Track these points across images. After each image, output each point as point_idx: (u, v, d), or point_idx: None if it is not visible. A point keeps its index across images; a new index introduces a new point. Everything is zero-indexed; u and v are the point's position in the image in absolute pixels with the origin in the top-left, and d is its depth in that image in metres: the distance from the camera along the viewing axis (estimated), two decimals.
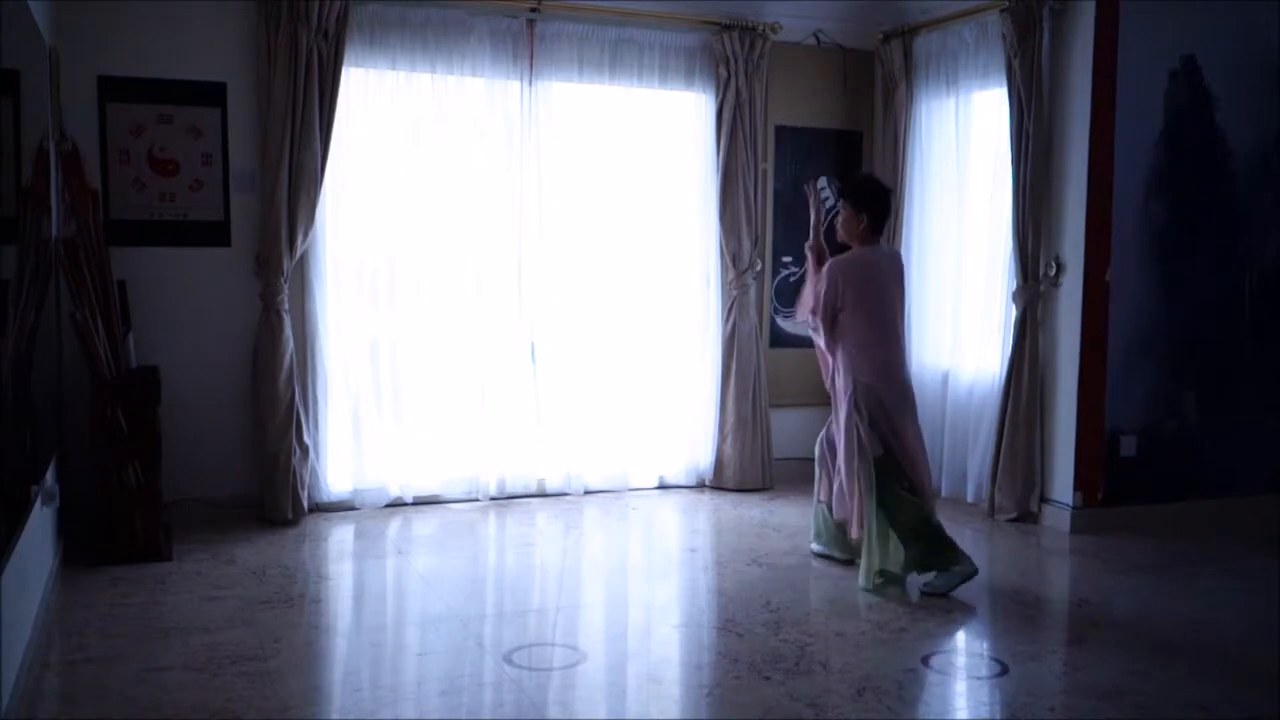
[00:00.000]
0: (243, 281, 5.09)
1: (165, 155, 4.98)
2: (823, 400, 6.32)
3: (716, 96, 5.89)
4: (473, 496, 5.58)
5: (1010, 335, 5.35)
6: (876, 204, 4.39)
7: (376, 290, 5.41)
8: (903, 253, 6.09)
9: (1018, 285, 5.28)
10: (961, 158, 5.82)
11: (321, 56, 5.01)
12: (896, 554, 4.31)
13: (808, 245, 4.63)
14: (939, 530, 4.28)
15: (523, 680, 3.37)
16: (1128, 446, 5.26)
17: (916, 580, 4.28)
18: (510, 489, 5.68)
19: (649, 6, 5.69)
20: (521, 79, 5.54)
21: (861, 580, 4.26)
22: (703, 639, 3.83)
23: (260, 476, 5.11)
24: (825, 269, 4.39)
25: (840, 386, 4.41)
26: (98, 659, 3.44)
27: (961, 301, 5.84)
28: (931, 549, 4.25)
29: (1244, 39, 5.36)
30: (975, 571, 4.19)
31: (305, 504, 5.17)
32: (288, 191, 5.01)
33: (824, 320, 4.38)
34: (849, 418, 4.33)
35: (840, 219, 4.45)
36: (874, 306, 4.35)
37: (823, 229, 4.65)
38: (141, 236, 4.94)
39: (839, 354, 4.41)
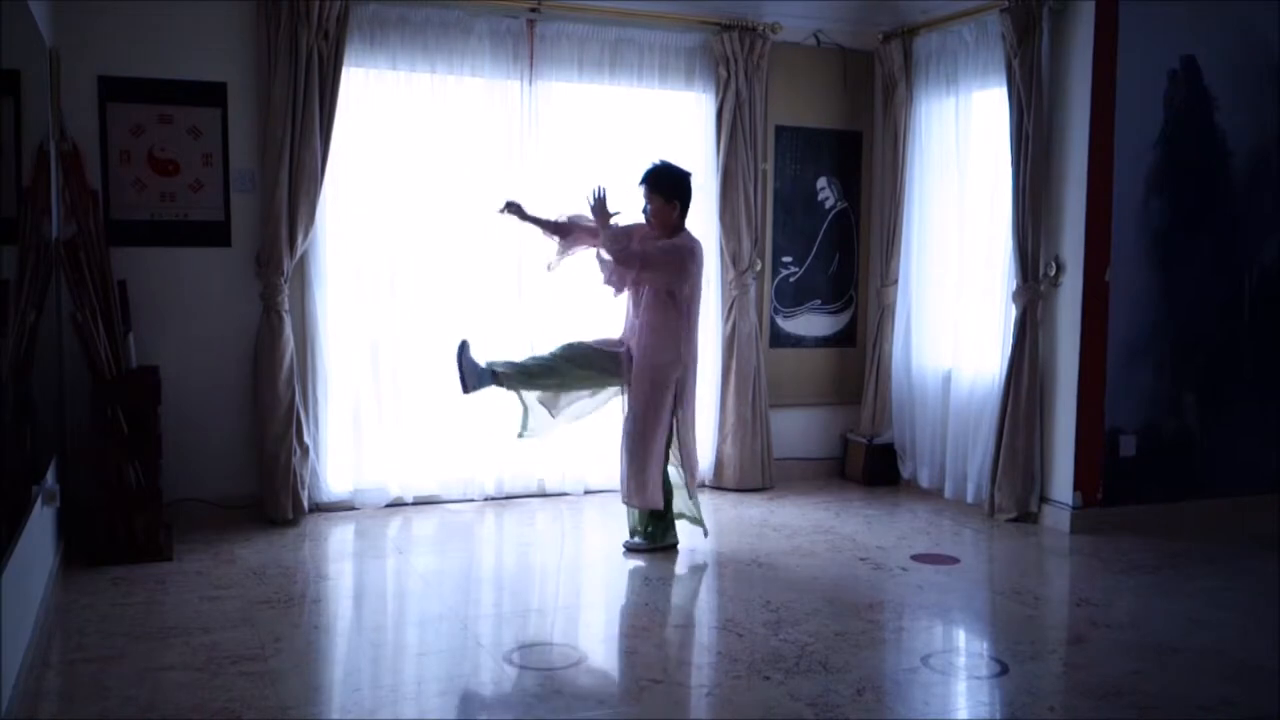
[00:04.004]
0: (243, 281, 5.09)
1: (165, 155, 4.98)
2: (823, 400, 6.38)
3: (716, 96, 5.89)
4: (472, 496, 5.59)
5: (1010, 335, 5.35)
6: (686, 192, 4.66)
7: (376, 290, 5.41)
8: (902, 253, 6.16)
9: (1018, 285, 5.28)
10: (961, 158, 5.81)
11: (321, 56, 5.01)
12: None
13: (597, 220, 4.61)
14: (670, 505, 4.79)
15: (523, 680, 3.37)
16: (1127, 446, 5.26)
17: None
18: (510, 489, 5.68)
19: (649, 6, 5.69)
20: (521, 79, 5.54)
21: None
22: (703, 639, 3.83)
23: (260, 476, 5.11)
24: (680, 241, 4.59)
25: (654, 365, 4.60)
26: (98, 659, 3.44)
27: (961, 301, 5.84)
28: (659, 517, 4.78)
29: (1244, 39, 5.36)
30: (674, 545, 4.79)
31: (305, 504, 5.17)
32: (288, 191, 5.01)
33: (636, 270, 4.56)
34: (660, 396, 4.61)
35: (651, 209, 4.64)
36: (698, 294, 4.71)
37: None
38: (141, 236, 4.94)
39: (664, 334, 4.59)
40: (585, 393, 4.75)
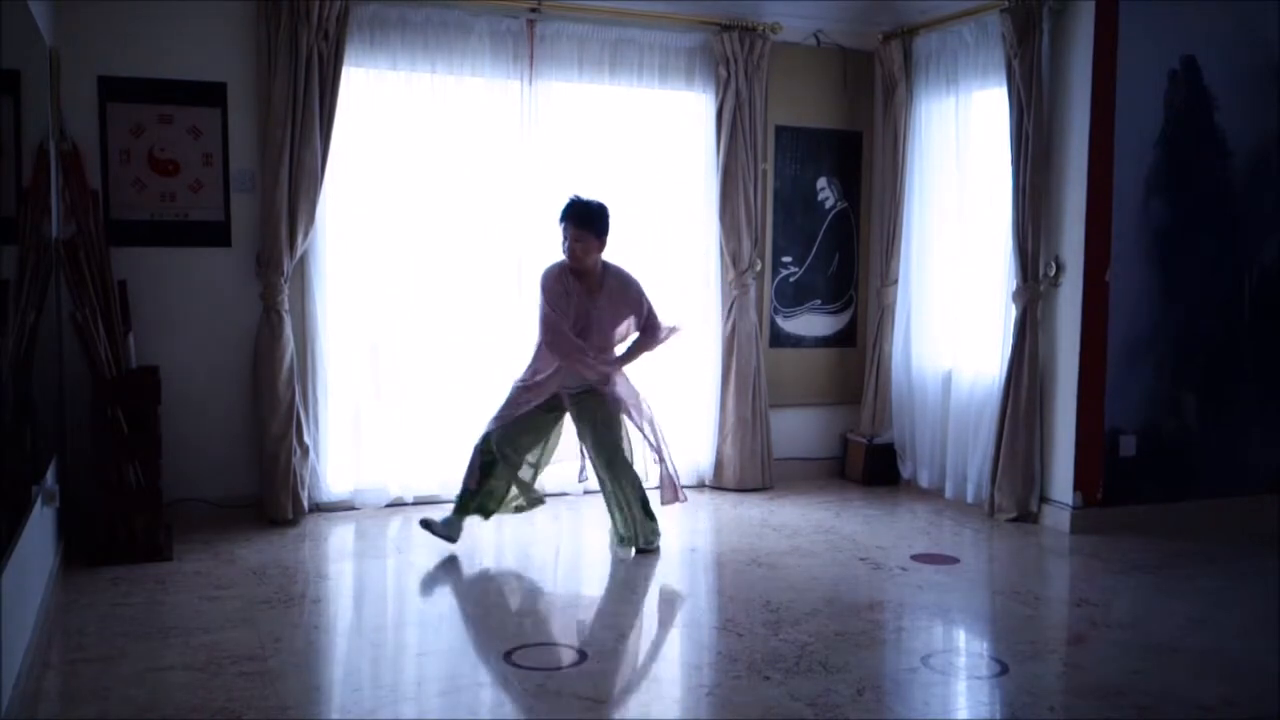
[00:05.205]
0: (243, 281, 5.09)
1: (165, 155, 4.98)
2: (823, 400, 6.38)
3: (716, 96, 5.89)
4: None
5: (1010, 335, 5.35)
6: (610, 226, 4.65)
7: (376, 290, 5.40)
8: (902, 253, 6.16)
9: (1017, 285, 5.28)
10: (961, 158, 5.81)
11: (321, 56, 5.01)
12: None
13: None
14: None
15: (523, 680, 3.37)
16: (1127, 446, 5.26)
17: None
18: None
19: (649, 6, 5.68)
20: (521, 79, 5.54)
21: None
22: (703, 639, 3.83)
23: (260, 476, 5.12)
24: (641, 290, 4.78)
25: (632, 387, 4.76)
26: (98, 659, 3.44)
27: (961, 301, 5.84)
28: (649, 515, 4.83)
29: (1244, 39, 5.36)
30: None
31: (305, 504, 5.17)
32: (288, 191, 5.01)
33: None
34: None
35: (583, 249, 4.60)
36: None
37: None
38: (141, 236, 4.94)
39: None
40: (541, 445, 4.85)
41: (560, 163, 5.61)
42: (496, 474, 4.72)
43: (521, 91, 5.55)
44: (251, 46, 5.04)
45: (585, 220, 4.60)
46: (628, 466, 4.74)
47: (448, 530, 4.68)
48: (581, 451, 4.80)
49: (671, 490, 4.76)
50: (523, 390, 4.70)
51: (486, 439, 4.69)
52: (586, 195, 4.70)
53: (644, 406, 4.77)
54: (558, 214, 4.67)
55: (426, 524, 4.69)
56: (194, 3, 4.97)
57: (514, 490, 4.81)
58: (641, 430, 4.73)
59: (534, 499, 4.86)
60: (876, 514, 5.59)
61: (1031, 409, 5.26)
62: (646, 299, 4.81)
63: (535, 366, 4.72)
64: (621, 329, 4.76)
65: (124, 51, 4.87)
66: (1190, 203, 5.32)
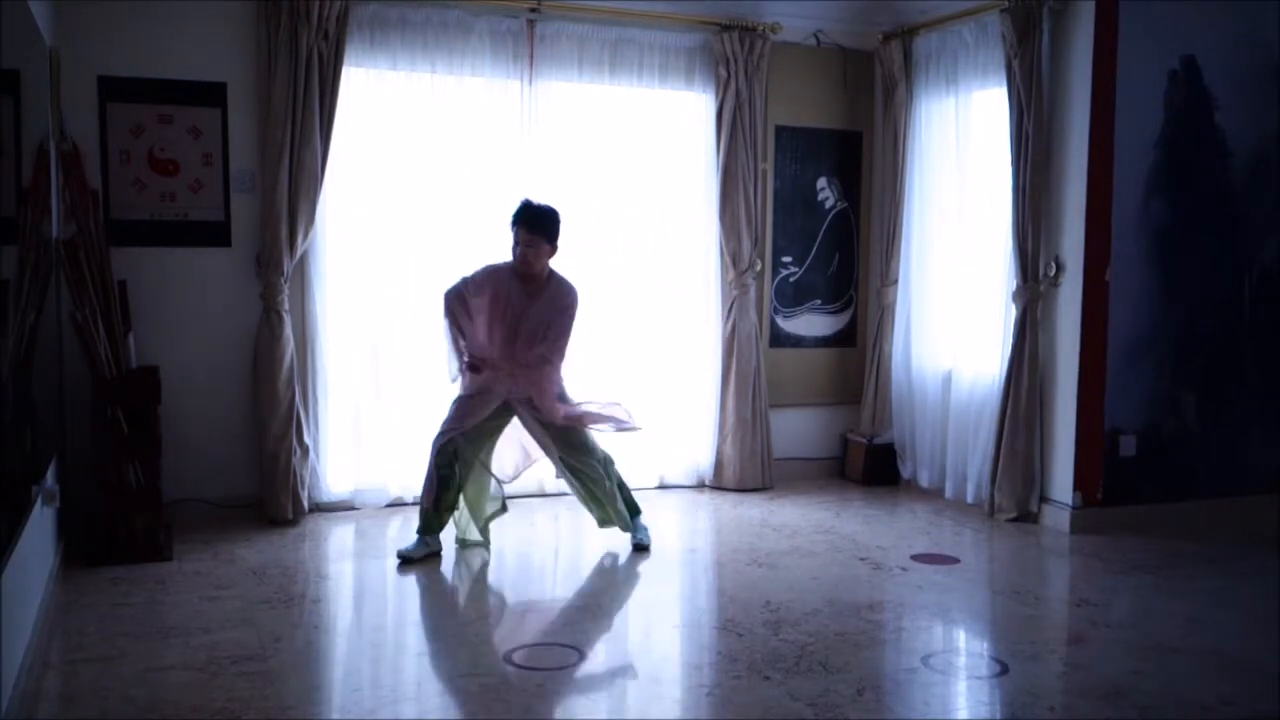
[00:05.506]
0: (243, 281, 5.10)
1: (165, 155, 4.98)
2: (823, 400, 6.38)
3: (716, 96, 5.89)
4: None
5: (1010, 335, 5.35)
6: (560, 231, 4.61)
7: (376, 290, 5.41)
8: (902, 253, 6.16)
9: (1017, 285, 5.28)
10: (961, 158, 5.81)
11: (321, 56, 5.01)
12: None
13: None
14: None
15: (523, 680, 3.37)
16: (1127, 446, 5.26)
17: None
18: (509, 489, 5.61)
19: (649, 6, 5.68)
20: (521, 79, 5.54)
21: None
22: (703, 639, 3.83)
23: (260, 476, 5.12)
24: (571, 301, 4.61)
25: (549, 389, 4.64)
26: (98, 659, 3.44)
27: (961, 301, 5.84)
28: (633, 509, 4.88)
29: (1244, 39, 5.36)
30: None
31: (305, 504, 5.17)
32: (288, 191, 5.01)
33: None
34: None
35: (534, 253, 4.55)
36: None
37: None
38: (141, 236, 4.94)
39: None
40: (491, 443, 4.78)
41: (560, 163, 5.62)
42: (452, 489, 4.68)
43: (521, 91, 5.55)
44: (251, 46, 5.05)
45: (537, 224, 4.57)
46: (597, 454, 4.74)
47: (427, 549, 4.63)
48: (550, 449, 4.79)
49: (617, 421, 4.70)
50: (469, 399, 4.65)
51: (442, 450, 4.63)
52: (538, 200, 4.68)
53: (573, 402, 4.73)
54: (509, 217, 4.63)
55: (404, 557, 4.59)
56: (194, 3, 4.97)
57: (476, 507, 4.74)
58: (587, 418, 4.70)
59: (500, 505, 4.75)
60: (876, 514, 5.59)
61: (1031, 409, 5.26)
62: (570, 313, 4.62)
63: (470, 376, 4.71)
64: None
65: (124, 51, 4.88)
66: (1190, 203, 5.32)
